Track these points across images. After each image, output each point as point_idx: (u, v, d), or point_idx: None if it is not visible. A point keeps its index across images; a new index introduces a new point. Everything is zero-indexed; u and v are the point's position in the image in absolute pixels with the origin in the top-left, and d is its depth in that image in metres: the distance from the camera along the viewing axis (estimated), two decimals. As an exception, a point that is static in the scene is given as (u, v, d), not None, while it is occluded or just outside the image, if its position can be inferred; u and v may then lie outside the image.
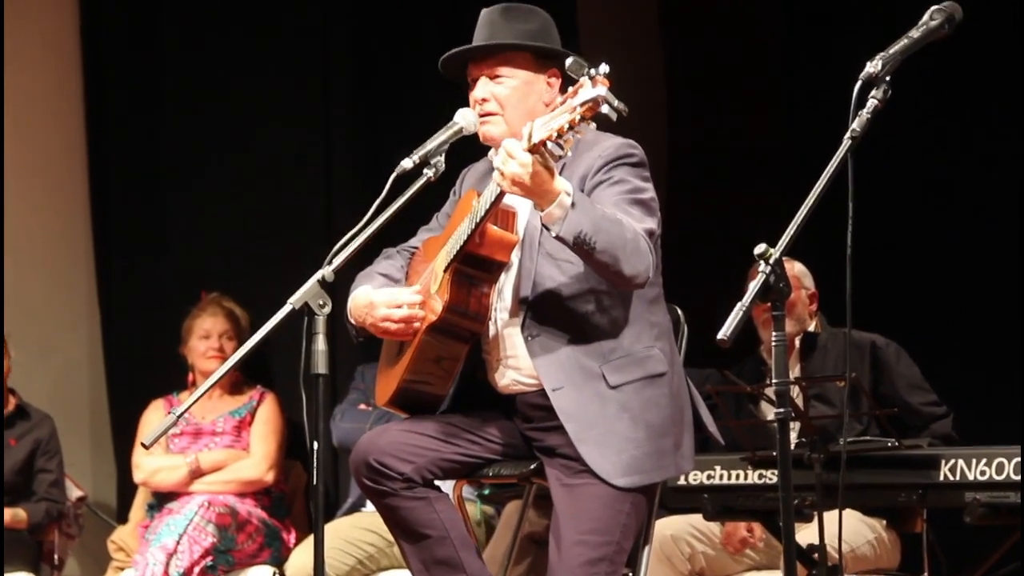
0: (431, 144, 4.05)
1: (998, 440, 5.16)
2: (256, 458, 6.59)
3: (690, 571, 5.77)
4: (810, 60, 7.06)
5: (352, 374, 6.62)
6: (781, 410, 3.29)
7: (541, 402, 3.98)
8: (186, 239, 7.27)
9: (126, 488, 7.06)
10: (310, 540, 5.11)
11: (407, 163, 4.02)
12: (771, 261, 3.21)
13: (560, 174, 3.82)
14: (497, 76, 4.08)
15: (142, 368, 7.22)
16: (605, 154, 3.93)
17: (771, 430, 5.25)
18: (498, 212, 3.88)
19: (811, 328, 5.99)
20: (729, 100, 8.06)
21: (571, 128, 3.55)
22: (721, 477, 5.56)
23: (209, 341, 6.69)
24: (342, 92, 7.16)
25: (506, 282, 4.01)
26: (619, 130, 3.88)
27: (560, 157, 3.69)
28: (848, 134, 3.27)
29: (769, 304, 3.26)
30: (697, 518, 5.67)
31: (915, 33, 3.36)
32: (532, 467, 4.07)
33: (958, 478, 5.09)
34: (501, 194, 3.79)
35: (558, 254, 3.90)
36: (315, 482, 3.88)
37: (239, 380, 6.71)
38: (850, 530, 5.38)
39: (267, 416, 6.67)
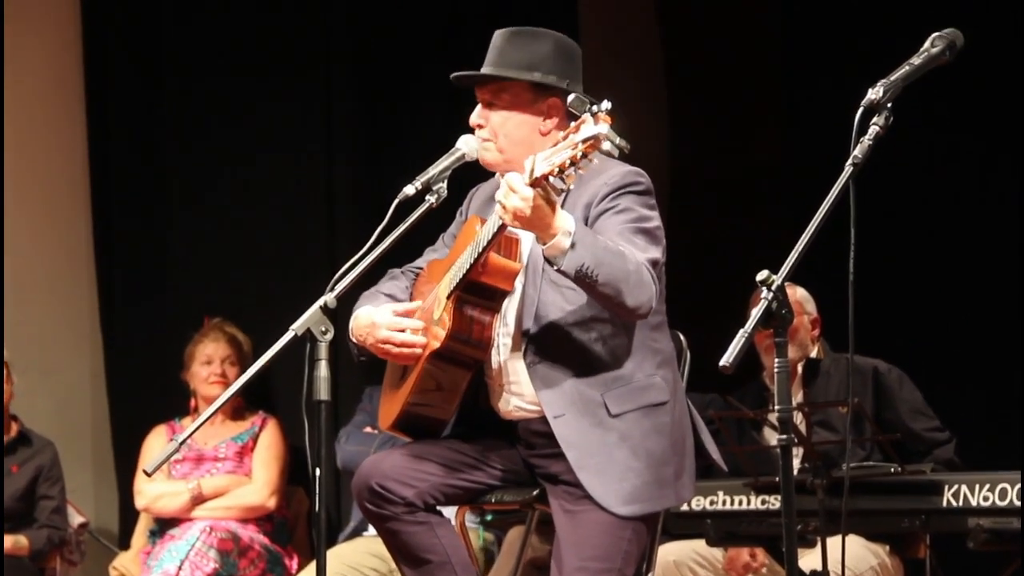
0: (433, 170, 4.05)
1: (1000, 465, 5.15)
2: (258, 484, 6.58)
3: (694, 597, 5.76)
4: (811, 85, 7.08)
5: (359, 397, 6.62)
6: (784, 437, 3.29)
7: (543, 429, 3.97)
8: (189, 265, 7.27)
9: (128, 514, 7.05)
10: (312, 566, 5.12)
11: (409, 189, 4.02)
12: (773, 288, 3.21)
13: (565, 201, 3.82)
14: (493, 104, 4.09)
15: (144, 394, 7.21)
16: (611, 182, 3.93)
17: (774, 455, 5.24)
18: (502, 239, 3.88)
19: (814, 354, 5.99)
20: (731, 125, 8.07)
21: (572, 164, 3.56)
22: (724, 503, 5.56)
23: (211, 367, 6.69)
24: (344, 118, 7.17)
25: (509, 308, 4.01)
26: (621, 156, 3.88)
27: (562, 191, 3.69)
28: (850, 161, 3.27)
29: (771, 330, 3.26)
30: (700, 544, 5.67)
31: (916, 60, 3.36)
32: (535, 493, 4.07)
33: (961, 504, 5.09)
34: (503, 226, 3.79)
35: (562, 281, 3.90)
36: (317, 509, 3.89)
37: (241, 406, 6.71)
38: (853, 556, 5.37)
39: (269, 442, 6.67)
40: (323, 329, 3.81)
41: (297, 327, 3.81)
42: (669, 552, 5.67)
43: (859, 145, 3.27)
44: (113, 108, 7.41)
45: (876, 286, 5.71)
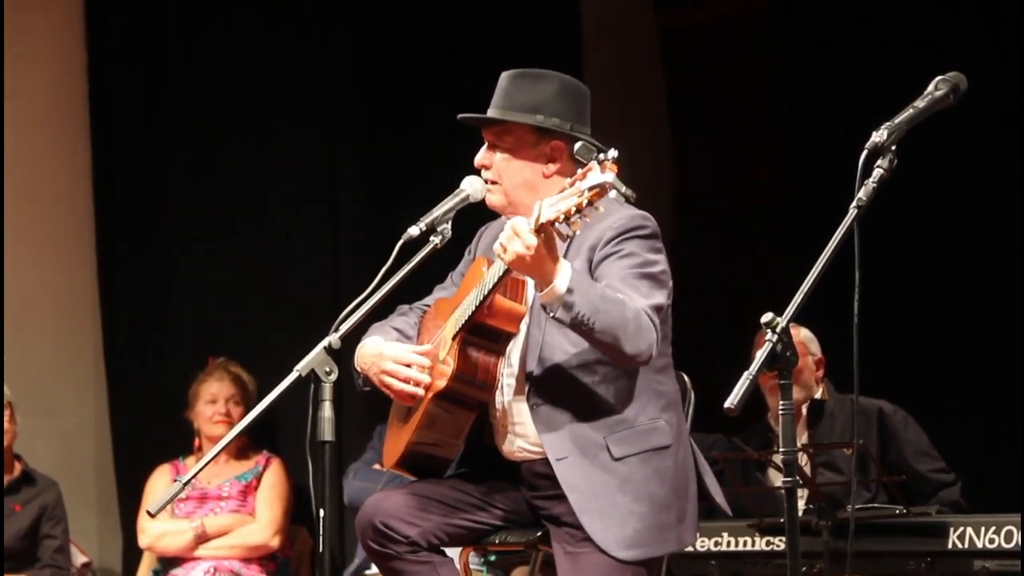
0: (438, 211, 4.05)
1: (1006, 507, 5.14)
2: (262, 523, 6.57)
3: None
4: (815, 126, 7.09)
5: (364, 436, 6.62)
6: (789, 479, 3.29)
7: (546, 471, 3.97)
8: (193, 304, 7.27)
9: (131, 554, 7.03)
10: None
11: (414, 230, 4.02)
12: (778, 330, 3.21)
13: (570, 244, 3.82)
14: (497, 146, 4.09)
15: (148, 433, 7.21)
16: (616, 225, 3.93)
17: (779, 496, 5.23)
18: (508, 282, 3.89)
19: (818, 395, 5.98)
20: (735, 167, 8.10)
21: (578, 212, 3.57)
22: (729, 544, 5.55)
23: (216, 406, 6.68)
24: (349, 159, 7.19)
25: (514, 350, 4.01)
26: (625, 183, 3.89)
27: (568, 237, 3.70)
28: (854, 203, 3.27)
29: (776, 372, 3.26)
30: (705, 585, 5.66)
31: (920, 103, 3.37)
32: (538, 535, 4.06)
33: (966, 546, 5.07)
34: (509, 270, 3.80)
35: (565, 324, 3.91)
36: (321, 549, 3.88)
37: (245, 445, 6.71)
38: (858, 597, 5.36)
39: (273, 481, 6.66)
40: (327, 370, 3.81)
41: (301, 368, 3.81)
42: (674, 593, 5.66)
43: (863, 187, 3.28)
44: (120, 149, 7.41)
45: (881, 327, 5.73)
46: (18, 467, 6.64)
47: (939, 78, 3.41)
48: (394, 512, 4.02)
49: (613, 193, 3.54)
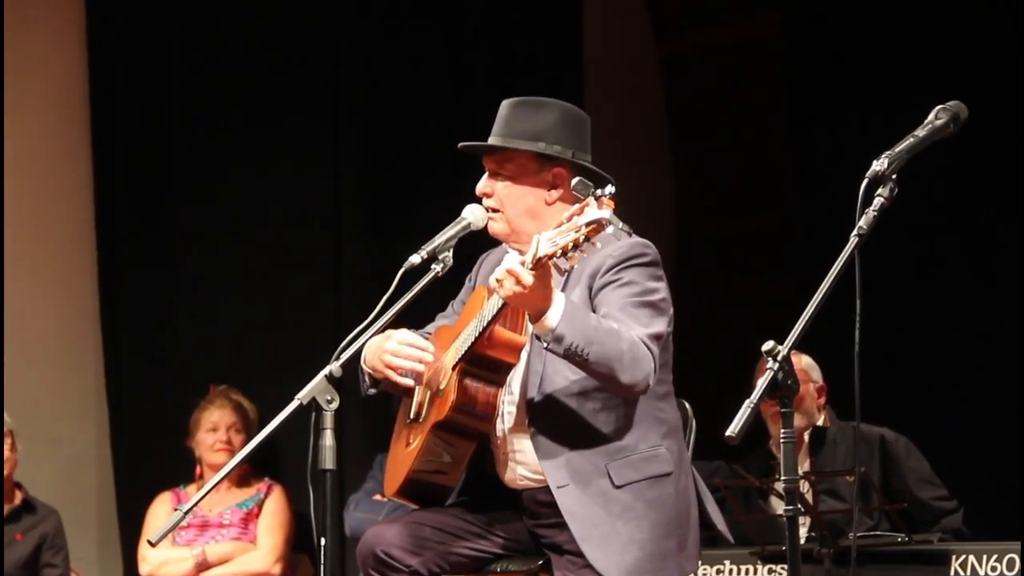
0: (439, 239, 4.05)
1: (1008, 535, 5.13)
2: (263, 551, 6.57)
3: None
4: (817, 153, 7.10)
5: (365, 464, 6.62)
6: (791, 508, 3.28)
7: (548, 499, 3.97)
8: (195, 332, 7.28)
9: (132, 581, 7.03)
10: (316, 635, 5.10)
11: (415, 258, 4.02)
12: (779, 358, 3.21)
13: (571, 271, 3.82)
14: (499, 173, 4.10)
15: (149, 461, 7.20)
16: (616, 254, 3.94)
17: (781, 524, 5.21)
18: (507, 312, 3.89)
19: (820, 422, 5.98)
20: (736, 194, 8.11)
21: (576, 247, 3.57)
22: (731, 572, 5.54)
23: (217, 434, 6.68)
24: (351, 185, 7.20)
25: (514, 378, 4.01)
26: (624, 219, 3.88)
27: (566, 271, 3.70)
28: (855, 231, 3.27)
29: (777, 400, 3.26)
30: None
31: (921, 132, 3.37)
32: (540, 563, 4.06)
33: (968, 574, 5.07)
34: (506, 304, 3.81)
35: (566, 352, 3.90)
36: (322, 578, 3.88)
37: (247, 472, 6.70)
38: (860, 626, 5.35)
39: (275, 509, 6.65)
40: (328, 398, 3.80)
41: (302, 396, 3.81)
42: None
43: (864, 216, 3.28)
44: (122, 174, 7.43)
45: (882, 355, 5.73)
46: (19, 495, 6.63)
47: (939, 107, 3.41)
48: (395, 541, 4.02)
49: (610, 228, 3.54)
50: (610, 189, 3.57)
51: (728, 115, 8.14)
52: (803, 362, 5.89)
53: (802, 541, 5.01)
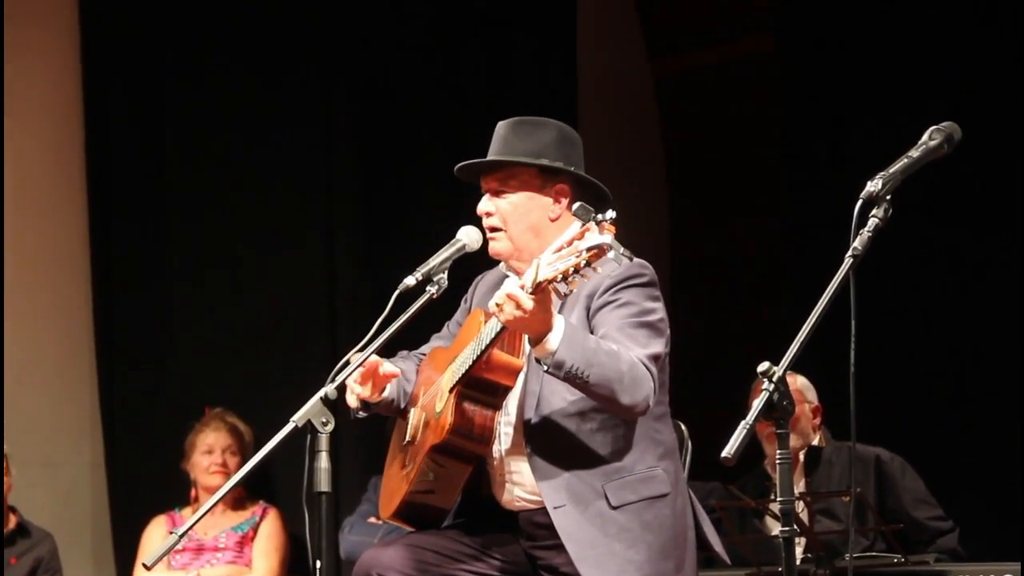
0: (434, 261, 4.06)
1: (1004, 555, 5.13)
2: (259, 574, 6.55)
3: None
4: (812, 172, 7.11)
5: (360, 487, 6.61)
6: (786, 528, 3.28)
7: (544, 520, 3.96)
8: (189, 354, 7.27)
9: (127, 606, 7.02)
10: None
11: (410, 280, 4.03)
12: (774, 379, 3.21)
13: (570, 294, 3.82)
14: (501, 192, 4.10)
15: (144, 484, 7.19)
16: (614, 274, 3.94)
17: (776, 545, 5.21)
18: (505, 335, 3.88)
19: (815, 442, 5.98)
20: (732, 214, 8.11)
21: (576, 272, 3.57)
22: (727, 593, 5.52)
23: (212, 456, 6.67)
24: (346, 207, 7.21)
25: (511, 399, 4.01)
26: (623, 243, 3.89)
27: (566, 295, 3.70)
28: (850, 252, 3.27)
29: (773, 421, 3.26)
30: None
31: (915, 153, 3.38)
32: (536, 585, 4.06)
33: (965, 594, 5.06)
34: (505, 328, 3.81)
35: (562, 373, 3.90)
36: (318, 601, 3.87)
37: (242, 495, 6.69)
38: (857, 647, 5.34)
39: (270, 532, 6.64)
40: (324, 420, 3.80)
41: (298, 418, 3.80)
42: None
43: (859, 237, 3.28)
44: (115, 202, 7.42)
45: (877, 375, 5.72)
46: (13, 519, 6.62)
47: (933, 128, 3.42)
48: (391, 564, 4.01)
49: (612, 253, 3.54)
50: (611, 214, 3.57)
51: (722, 135, 8.15)
52: (798, 383, 5.89)
53: (798, 562, 5.00)
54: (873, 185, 3.31)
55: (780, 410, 3.23)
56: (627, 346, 3.83)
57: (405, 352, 4.34)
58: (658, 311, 3.95)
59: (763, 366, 3.23)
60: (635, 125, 8.35)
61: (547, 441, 3.95)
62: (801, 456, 5.92)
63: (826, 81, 7.03)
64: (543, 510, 3.96)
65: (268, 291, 7.21)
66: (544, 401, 3.96)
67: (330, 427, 3.81)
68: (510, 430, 4.03)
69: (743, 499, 5.64)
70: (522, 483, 4.03)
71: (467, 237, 4.12)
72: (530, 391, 3.98)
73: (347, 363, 3.92)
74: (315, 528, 3.83)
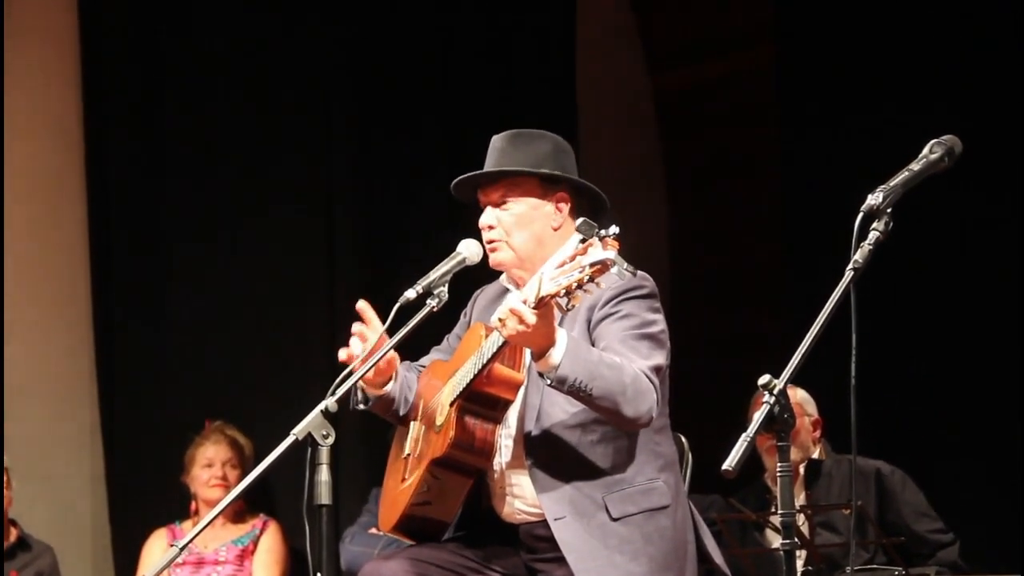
0: (434, 274, 4.06)
1: (1004, 567, 5.13)
2: (259, 588, 6.56)
3: None
4: (813, 185, 7.11)
5: (361, 499, 6.61)
6: (787, 542, 3.28)
7: (545, 533, 3.96)
8: (189, 367, 7.26)
9: (127, 619, 7.01)
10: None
11: (410, 293, 4.03)
12: (775, 391, 3.21)
13: (571, 309, 3.83)
14: (503, 203, 4.11)
15: (144, 497, 7.18)
16: (614, 286, 3.92)
17: (777, 558, 5.21)
18: (506, 349, 3.89)
19: (815, 455, 5.98)
20: (732, 226, 8.11)
21: (579, 287, 3.57)
22: (727, 606, 5.51)
23: (212, 470, 6.66)
24: (346, 220, 7.21)
25: (512, 411, 4.01)
26: (626, 258, 3.89)
27: (568, 310, 3.71)
28: (850, 265, 3.28)
29: (773, 434, 3.26)
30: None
31: (916, 166, 3.38)
32: (537, 597, 4.05)
33: (966, 606, 5.05)
34: (506, 342, 3.81)
35: (563, 386, 3.90)
36: (318, 614, 3.86)
37: (242, 508, 6.68)
38: (858, 660, 5.34)
39: (270, 545, 6.64)
40: (324, 433, 3.79)
41: (298, 431, 3.80)
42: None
43: (860, 250, 3.28)
44: (115, 213, 7.42)
45: (878, 388, 5.72)
46: (14, 533, 6.62)
47: (934, 141, 3.42)
48: (392, 577, 4.01)
49: (615, 269, 3.55)
50: (614, 229, 3.57)
51: (722, 148, 8.15)
52: (798, 396, 5.89)
53: (799, 575, 5.00)
54: (874, 198, 3.32)
55: (781, 423, 3.23)
56: (629, 358, 3.84)
57: (407, 363, 4.34)
58: (659, 323, 3.95)
59: (764, 379, 3.23)
60: (635, 139, 8.35)
61: (547, 454, 3.95)
62: (801, 469, 5.92)
63: (826, 93, 7.03)
64: (544, 522, 3.96)
65: (268, 304, 7.21)
66: (544, 414, 3.96)
67: (331, 440, 3.81)
68: (510, 443, 4.03)
69: (744, 512, 5.64)
70: (522, 496, 4.03)
71: (467, 250, 4.12)
72: (530, 404, 3.98)
73: (348, 375, 3.92)
74: (316, 541, 3.82)
